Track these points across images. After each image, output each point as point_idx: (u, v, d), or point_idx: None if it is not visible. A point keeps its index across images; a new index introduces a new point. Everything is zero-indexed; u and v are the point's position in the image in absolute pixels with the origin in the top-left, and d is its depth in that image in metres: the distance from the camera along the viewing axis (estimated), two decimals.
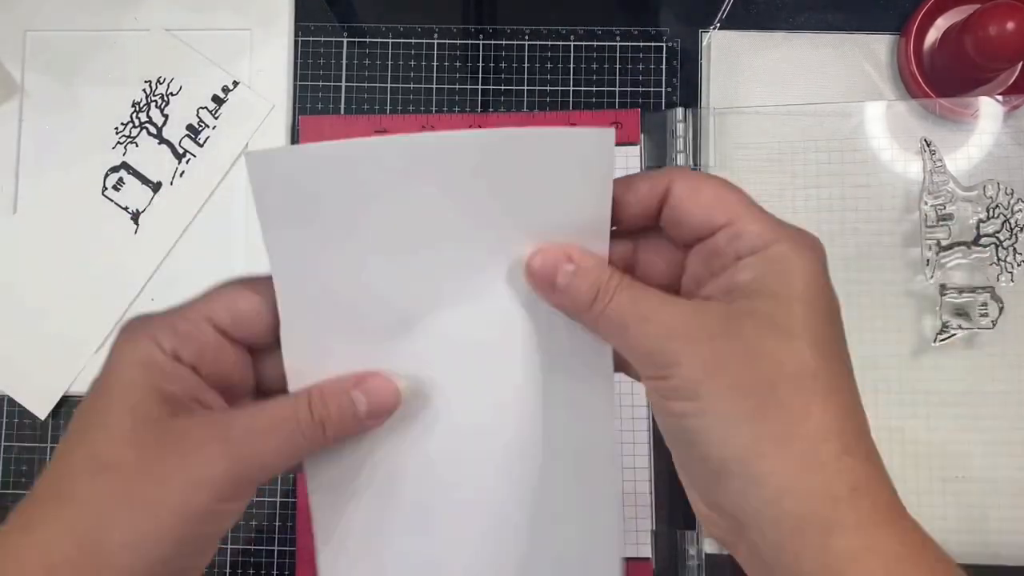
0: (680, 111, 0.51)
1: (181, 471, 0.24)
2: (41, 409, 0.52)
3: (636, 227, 0.28)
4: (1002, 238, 0.48)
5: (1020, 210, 0.48)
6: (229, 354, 0.27)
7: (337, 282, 0.28)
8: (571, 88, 0.53)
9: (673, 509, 0.50)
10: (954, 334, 0.48)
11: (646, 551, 0.49)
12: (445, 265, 0.29)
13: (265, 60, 0.53)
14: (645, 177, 0.28)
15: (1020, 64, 0.50)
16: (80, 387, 0.52)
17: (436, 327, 0.29)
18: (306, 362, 0.28)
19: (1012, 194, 0.48)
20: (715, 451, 0.24)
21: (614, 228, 0.28)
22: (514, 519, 0.31)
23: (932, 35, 0.51)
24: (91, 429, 0.25)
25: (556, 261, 0.27)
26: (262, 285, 0.27)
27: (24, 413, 0.52)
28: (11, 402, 0.52)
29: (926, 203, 0.49)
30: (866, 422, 0.25)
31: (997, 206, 0.48)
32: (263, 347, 0.28)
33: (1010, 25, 0.44)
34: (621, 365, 0.30)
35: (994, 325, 0.48)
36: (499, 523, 0.31)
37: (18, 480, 0.52)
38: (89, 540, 0.24)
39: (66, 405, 0.52)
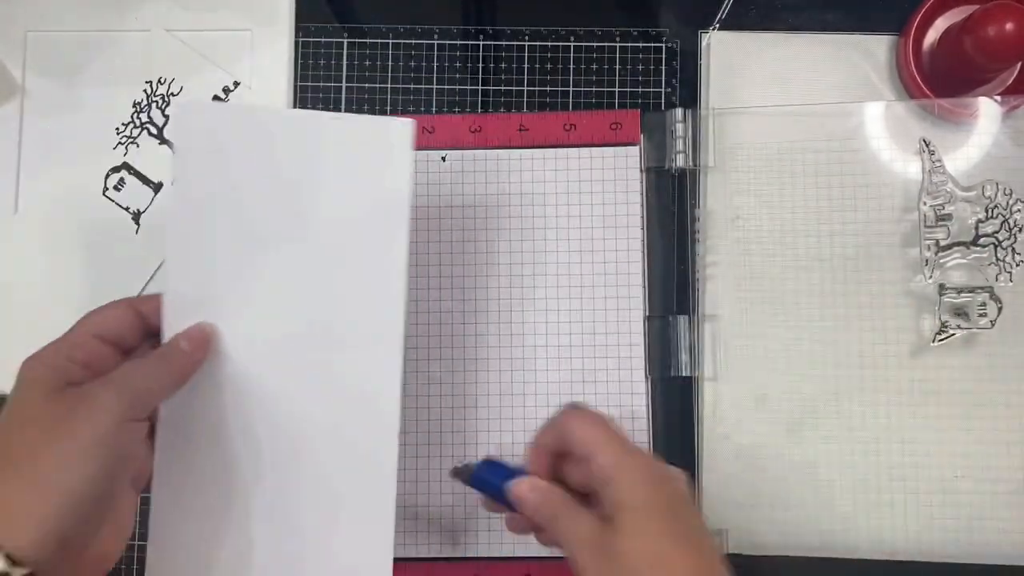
0: (680, 111, 0.51)
1: (85, 406, 0.34)
2: None
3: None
4: (1001, 238, 0.48)
5: (1019, 210, 0.48)
6: (108, 354, 0.37)
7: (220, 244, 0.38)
8: (571, 88, 0.53)
9: None
10: (953, 334, 0.49)
11: None
12: (279, 235, 0.38)
13: (266, 60, 0.53)
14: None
15: (1019, 64, 0.51)
16: None
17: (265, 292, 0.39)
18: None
19: (1011, 194, 0.48)
20: None
21: None
22: (296, 518, 0.39)
23: (931, 35, 0.51)
24: (14, 405, 0.35)
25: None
26: (123, 304, 0.38)
27: None
28: None
29: (925, 203, 0.49)
30: None
31: (996, 206, 0.48)
32: (129, 346, 0.38)
33: (1009, 26, 0.44)
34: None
35: (993, 325, 0.48)
36: (282, 520, 0.39)
37: None
38: (27, 474, 0.32)
39: None
